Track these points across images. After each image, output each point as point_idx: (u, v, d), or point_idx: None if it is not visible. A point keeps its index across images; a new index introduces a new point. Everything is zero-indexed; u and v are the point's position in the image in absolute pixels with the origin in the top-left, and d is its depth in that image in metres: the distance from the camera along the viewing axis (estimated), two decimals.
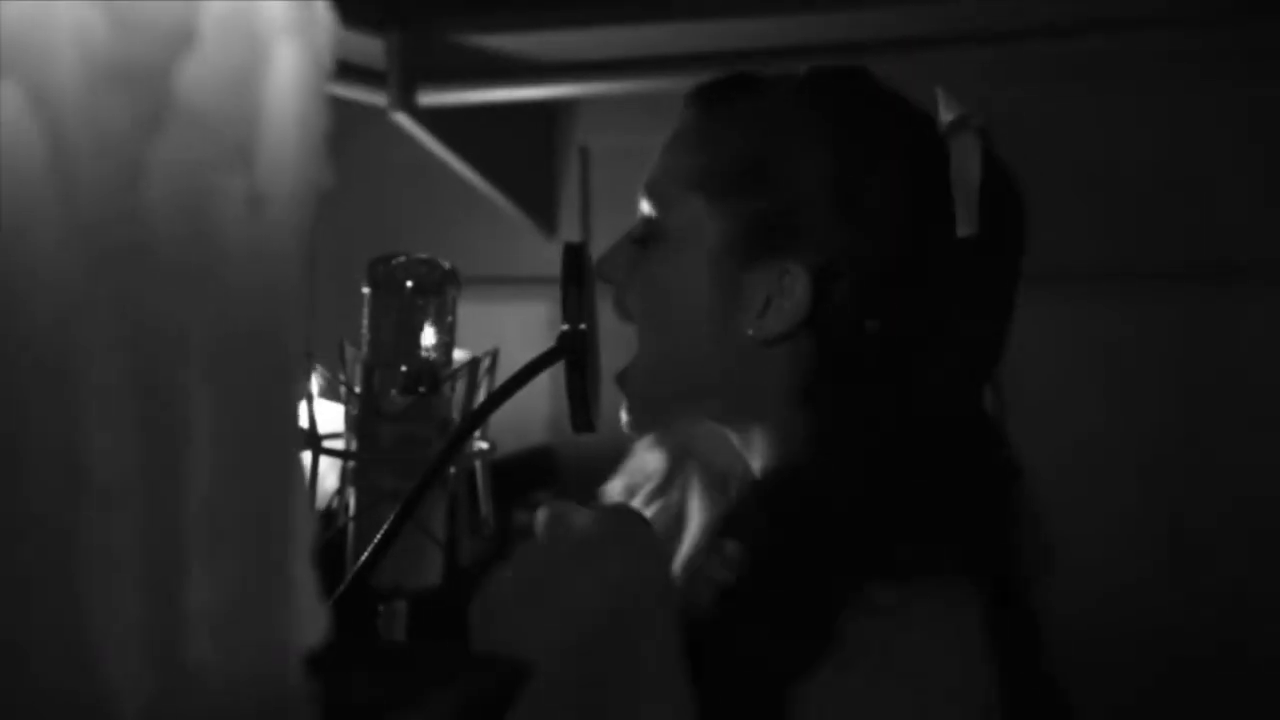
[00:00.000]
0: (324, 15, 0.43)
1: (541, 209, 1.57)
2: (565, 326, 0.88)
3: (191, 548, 0.40)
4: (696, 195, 0.85)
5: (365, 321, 0.93)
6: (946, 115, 0.82)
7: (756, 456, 0.89)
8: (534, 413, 1.52)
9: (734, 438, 0.91)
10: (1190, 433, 1.45)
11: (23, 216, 0.38)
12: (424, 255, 0.96)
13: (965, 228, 0.78)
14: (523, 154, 1.54)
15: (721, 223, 0.84)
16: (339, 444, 0.93)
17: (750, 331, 0.83)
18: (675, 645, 0.70)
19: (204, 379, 0.39)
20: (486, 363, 0.99)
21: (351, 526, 0.91)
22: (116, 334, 0.39)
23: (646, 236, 0.88)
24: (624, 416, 0.92)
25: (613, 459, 1.61)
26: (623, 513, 0.77)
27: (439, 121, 1.36)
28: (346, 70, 1.39)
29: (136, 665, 0.39)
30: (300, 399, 0.43)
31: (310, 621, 0.43)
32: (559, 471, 1.55)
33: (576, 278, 0.88)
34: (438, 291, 0.97)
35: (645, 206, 0.89)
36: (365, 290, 0.92)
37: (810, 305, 0.81)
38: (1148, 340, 1.46)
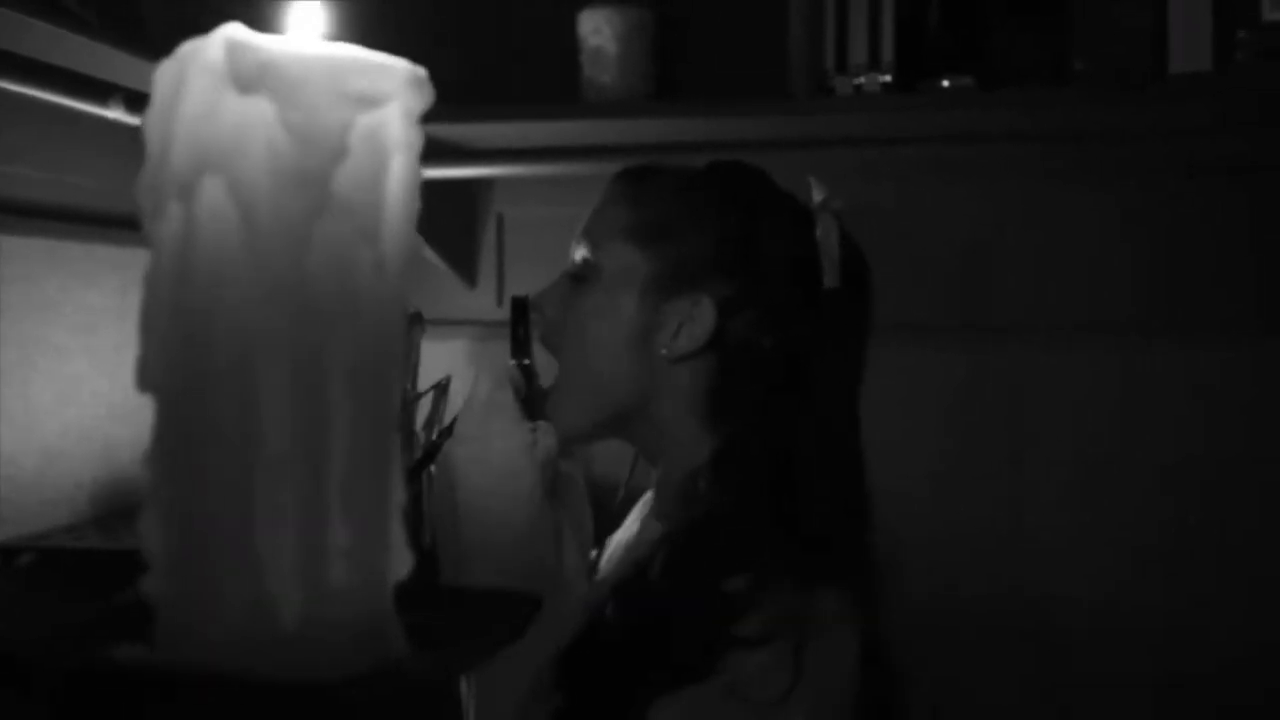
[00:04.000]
0: (420, 136, 0.53)
1: (464, 265, 1.65)
2: (513, 361, 0.95)
3: (333, 502, 0.49)
4: (628, 243, 0.91)
5: None
6: (817, 196, 0.91)
7: (661, 464, 0.94)
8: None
9: (642, 451, 0.97)
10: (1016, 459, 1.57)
11: (221, 271, 0.48)
12: None
13: (830, 280, 0.88)
14: (450, 220, 1.62)
15: (650, 264, 0.90)
16: None
17: (664, 351, 0.89)
18: None
19: (342, 386, 0.49)
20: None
21: None
22: (284, 352, 0.48)
23: (584, 274, 0.93)
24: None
25: None
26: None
27: None
28: None
29: (293, 584, 0.48)
30: (399, 404, 0.53)
31: (401, 560, 0.52)
32: None
33: (524, 321, 0.97)
34: (406, 329, 1.06)
35: (582, 250, 0.94)
36: None
37: (714, 329, 0.87)
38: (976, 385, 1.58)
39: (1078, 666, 1.52)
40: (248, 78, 0.48)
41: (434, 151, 1.45)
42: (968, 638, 1.52)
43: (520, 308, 0.98)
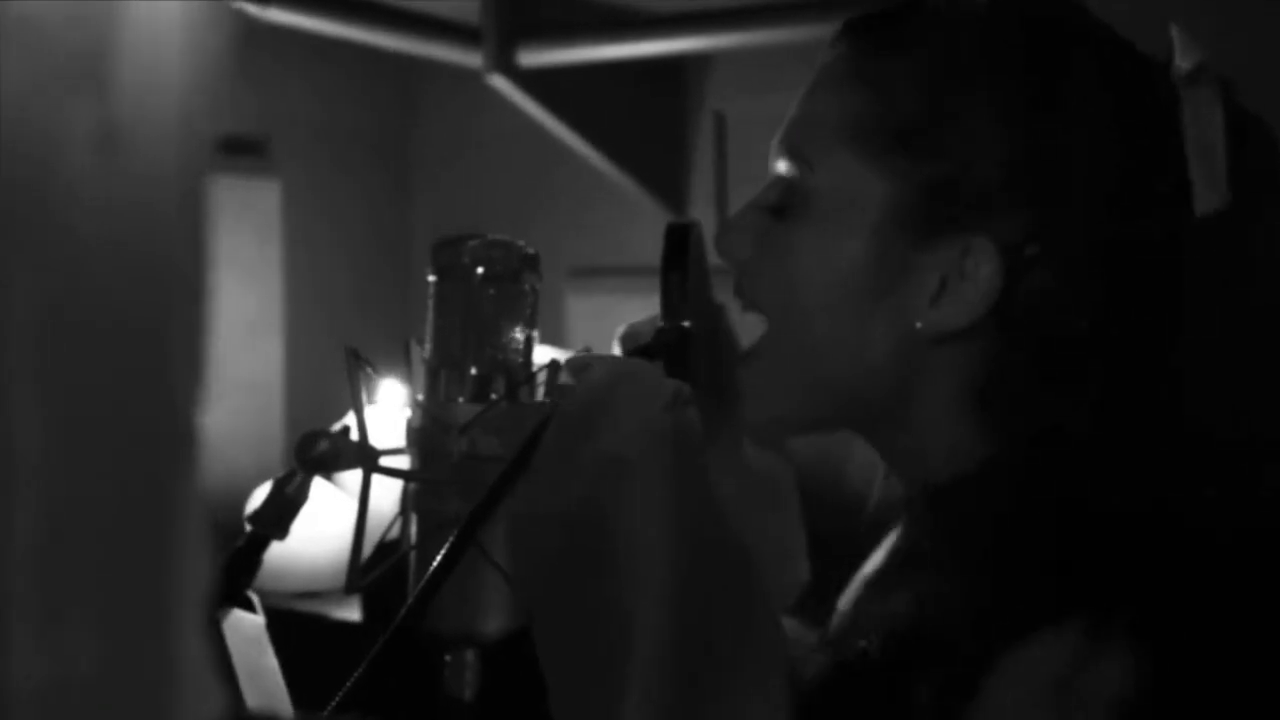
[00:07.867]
0: None
1: (667, 185, 1.55)
2: (662, 323, 0.87)
3: (17, 611, 0.34)
4: (854, 152, 0.81)
5: (430, 315, 0.90)
6: (1183, 63, 0.76)
7: (910, 469, 0.86)
8: None
9: (871, 448, 0.89)
10: None
11: None
12: (499, 236, 0.93)
13: (1206, 202, 0.75)
14: (644, 121, 1.53)
15: (889, 188, 0.80)
16: (399, 461, 0.90)
17: (919, 324, 0.80)
18: (696, 481, 0.74)
19: (32, 376, 0.34)
20: None
21: (413, 557, 0.88)
22: None
23: (785, 204, 0.84)
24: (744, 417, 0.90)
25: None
26: (631, 361, 0.84)
27: (543, 84, 1.34)
28: (436, 27, 1.38)
29: None
30: (190, 405, 0.37)
31: (197, 703, 0.37)
32: None
33: (680, 263, 0.87)
34: (513, 279, 0.93)
35: (782, 166, 0.85)
36: (430, 278, 0.89)
37: (997, 292, 0.78)
38: None
39: None
40: None
41: (608, 23, 1.35)
42: None
43: (679, 237, 0.88)
